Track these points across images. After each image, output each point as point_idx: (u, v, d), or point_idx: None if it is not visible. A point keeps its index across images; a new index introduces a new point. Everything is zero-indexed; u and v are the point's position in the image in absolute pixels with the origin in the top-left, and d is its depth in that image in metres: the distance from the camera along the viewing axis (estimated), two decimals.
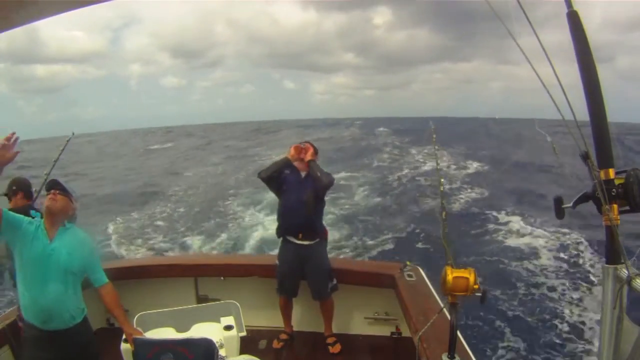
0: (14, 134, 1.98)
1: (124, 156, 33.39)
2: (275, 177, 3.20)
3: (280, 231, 3.26)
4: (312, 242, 3.16)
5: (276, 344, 3.25)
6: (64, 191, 2.27)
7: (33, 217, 2.29)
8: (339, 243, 9.59)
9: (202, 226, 11.34)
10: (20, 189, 3.00)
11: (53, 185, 2.27)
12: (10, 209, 2.37)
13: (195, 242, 9.99)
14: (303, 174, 3.18)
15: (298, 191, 3.11)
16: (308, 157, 3.13)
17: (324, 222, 3.34)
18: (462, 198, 13.59)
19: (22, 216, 2.21)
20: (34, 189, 3.11)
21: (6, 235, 2.14)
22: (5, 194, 3.01)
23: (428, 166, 19.63)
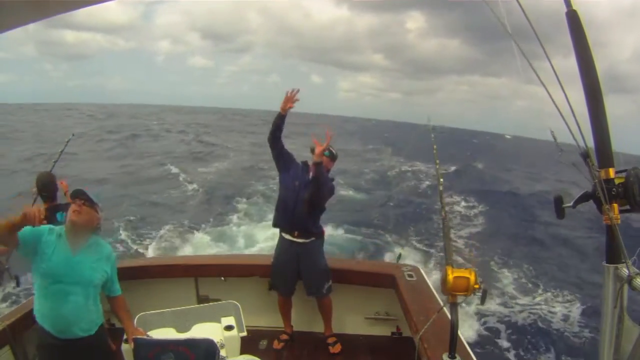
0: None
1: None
2: (283, 152, 3.16)
3: (275, 222, 3.26)
4: (307, 241, 3.14)
5: (276, 344, 3.25)
6: (89, 201, 2.12)
7: (58, 221, 2.18)
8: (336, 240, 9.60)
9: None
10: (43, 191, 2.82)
11: (78, 195, 2.11)
12: None
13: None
14: (312, 175, 3.04)
15: (300, 189, 3.07)
16: (316, 157, 2.92)
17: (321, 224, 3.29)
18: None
19: (39, 228, 2.04)
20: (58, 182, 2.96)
21: (25, 251, 2.04)
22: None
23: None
